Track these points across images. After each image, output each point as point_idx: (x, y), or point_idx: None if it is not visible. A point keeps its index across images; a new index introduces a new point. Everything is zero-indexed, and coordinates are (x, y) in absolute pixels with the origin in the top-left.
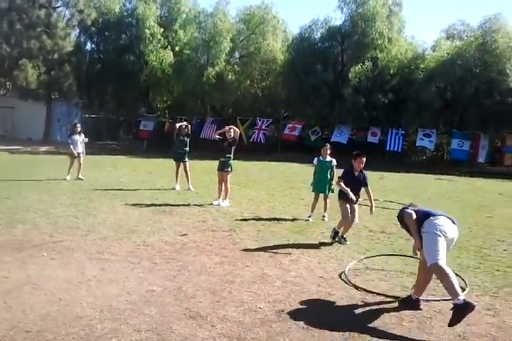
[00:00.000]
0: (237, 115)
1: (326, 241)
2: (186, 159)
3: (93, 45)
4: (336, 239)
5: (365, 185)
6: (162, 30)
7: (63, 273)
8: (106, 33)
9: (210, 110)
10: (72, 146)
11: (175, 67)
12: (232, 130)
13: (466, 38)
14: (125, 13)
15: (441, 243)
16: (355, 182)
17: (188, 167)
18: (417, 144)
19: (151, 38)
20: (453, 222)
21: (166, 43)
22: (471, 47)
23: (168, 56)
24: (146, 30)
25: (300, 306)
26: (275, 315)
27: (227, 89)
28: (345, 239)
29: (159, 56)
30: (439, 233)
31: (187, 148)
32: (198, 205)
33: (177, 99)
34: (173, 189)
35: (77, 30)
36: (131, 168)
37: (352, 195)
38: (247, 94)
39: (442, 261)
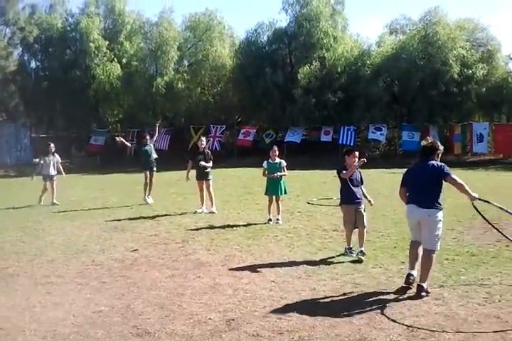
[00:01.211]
0: (190, 124)
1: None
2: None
3: (37, 63)
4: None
5: (361, 182)
6: (107, 42)
7: (6, 301)
8: (50, 50)
9: (162, 120)
10: (41, 168)
11: (123, 79)
12: (204, 139)
13: (408, 31)
14: (68, 28)
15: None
16: (353, 180)
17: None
18: (368, 137)
19: (96, 52)
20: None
21: (113, 56)
22: (414, 41)
23: (116, 69)
24: (91, 44)
25: (251, 313)
26: (225, 324)
27: (177, 98)
28: (362, 252)
29: (106, 69)
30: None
31: (155, 156)
32: (151, 218)
33: (128, 111)
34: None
35: (20, 49)
36: (84, 185)
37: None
38: (198, 102)
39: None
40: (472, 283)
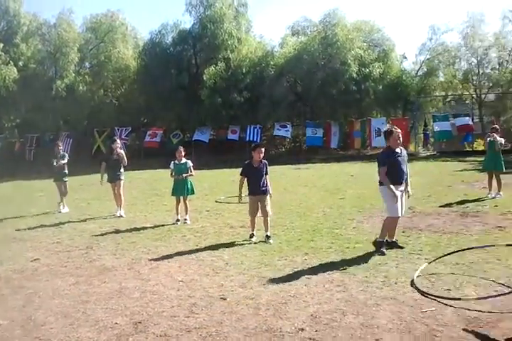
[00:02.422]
0: (93, 127)
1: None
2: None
3: None
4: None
5: (266, 173)
6: (2, 45)
7: None
8: None
9: (63, 124)
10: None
11: (20, 82)
12: (119, 141)
13: (309, 33)
14: None
15: None
16: (257, 173)
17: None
18: (274, 134)
19: None
20: None
21: (8, 59)
22: (315, 42)
23: (12, 72)
24: None
25: (159, 314)
26: (132, 327)
27: (79, 101)
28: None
29: (1, 73)
30: None
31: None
32: (54, 226)
33: (26, 116)
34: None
35: None
36: None
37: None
38: (101, 105)
39: None
40: (371, 269)
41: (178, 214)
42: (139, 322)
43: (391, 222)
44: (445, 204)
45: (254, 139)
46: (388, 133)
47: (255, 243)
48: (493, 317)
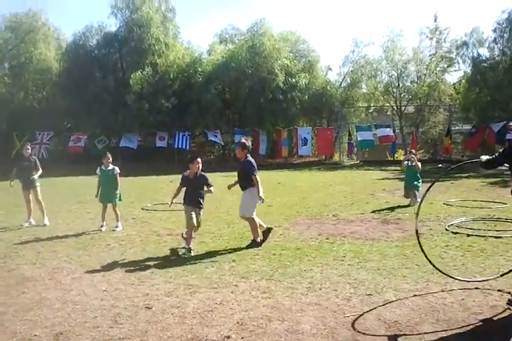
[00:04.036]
0: (13, 130)
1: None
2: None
3: None
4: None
5: (208, 185)
6: None
7: None
8: None
9: None
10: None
11: None
12: (29, 146)
13: (237, 41)
14: None
15: None
16: (192, 185)
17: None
18: (208, 138)
19: None
20: None
21: None
22: (243, 50)
23: None
24: None
25: (81, 324)
26: (53, 339)
27: None
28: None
29: None
30: None
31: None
32: None
33: None
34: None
35: None
36: None
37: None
38: (22, 107)
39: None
40: (296, 275)
41: (103, 221)
42: (60, 333)
43: (254, 220)
44: (367, 212)
45: (183, 146)
46: (243, 146)
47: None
48: (412, 321)
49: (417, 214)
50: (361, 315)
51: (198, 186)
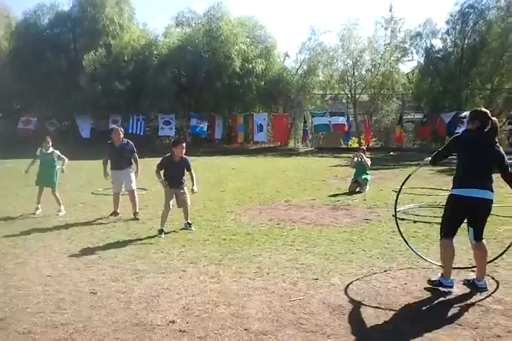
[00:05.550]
0: None
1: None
2: None
3: None
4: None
5: (189, 169)
6: None
7: None
8: None
9: None
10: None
11: None
12: None
13: (194, 25)
14: None
15: None
16: (177, 168)
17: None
18: (159, 134)
19: None
20: None
21: None
22: (199, 34)
23: None
24: None
25: (23, 310)
26: None
27: None
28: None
29: None
30: None
31: None
32: None
33: None
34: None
35: None
36: None
37: (164, 184)
38: None
39: None
40: (245, 260)
41: (38, 204)
42: (1, 319)
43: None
44: (319, 198)
45: (138, 132)
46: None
47: (151, 237)
48: (355, 304)
49: (396, 200)
50: (306, 299)
51: (181, 169)
